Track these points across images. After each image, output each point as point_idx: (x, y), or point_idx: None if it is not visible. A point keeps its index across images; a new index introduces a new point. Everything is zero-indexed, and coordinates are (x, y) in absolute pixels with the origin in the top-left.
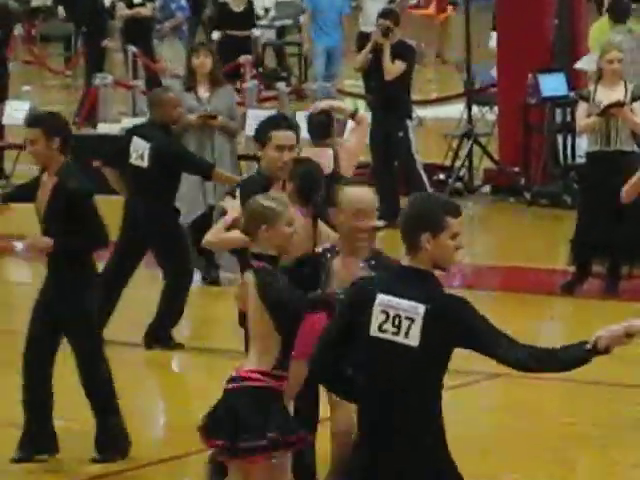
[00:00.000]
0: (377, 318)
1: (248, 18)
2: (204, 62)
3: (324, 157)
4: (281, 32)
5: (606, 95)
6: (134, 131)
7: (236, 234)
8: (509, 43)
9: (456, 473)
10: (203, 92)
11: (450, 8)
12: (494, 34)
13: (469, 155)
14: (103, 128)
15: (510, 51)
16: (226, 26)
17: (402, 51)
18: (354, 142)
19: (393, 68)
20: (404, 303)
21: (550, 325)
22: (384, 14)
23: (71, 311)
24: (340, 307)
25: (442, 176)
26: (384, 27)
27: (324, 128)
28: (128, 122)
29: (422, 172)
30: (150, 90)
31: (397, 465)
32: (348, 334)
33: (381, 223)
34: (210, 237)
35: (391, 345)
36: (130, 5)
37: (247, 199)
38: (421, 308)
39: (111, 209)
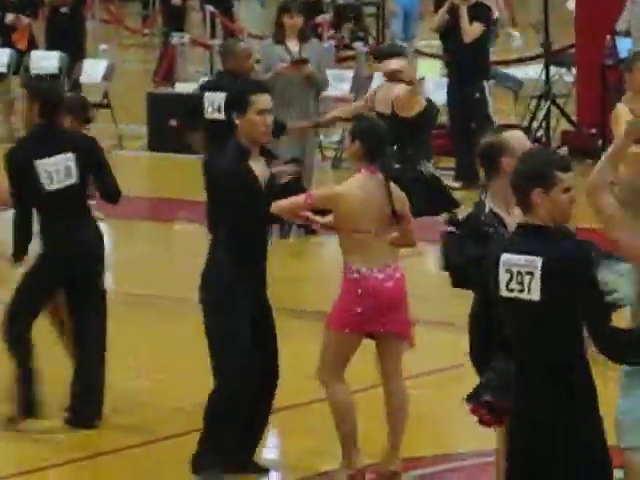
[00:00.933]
0: (503, 278)
1: None
2: (296, 20)
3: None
4: None
5: None
6: (206, 86)
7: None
8: (588, 4)
9: (594, 436)
10: (293, 46)
11: None
12: None
13: (546, 117)
14: (181, 87)
15: (588, 12)
16: None
17: (479, 12)
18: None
19: (471, 30)
20: (523, 258)
21: None
22: None
23: None
24: (479, 275)
25: None
26: None
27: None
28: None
29: None
30: None
31: (530, 417)
32: (490, 299)
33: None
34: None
35: (518, 302)
36: None
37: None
38: (538, 261)
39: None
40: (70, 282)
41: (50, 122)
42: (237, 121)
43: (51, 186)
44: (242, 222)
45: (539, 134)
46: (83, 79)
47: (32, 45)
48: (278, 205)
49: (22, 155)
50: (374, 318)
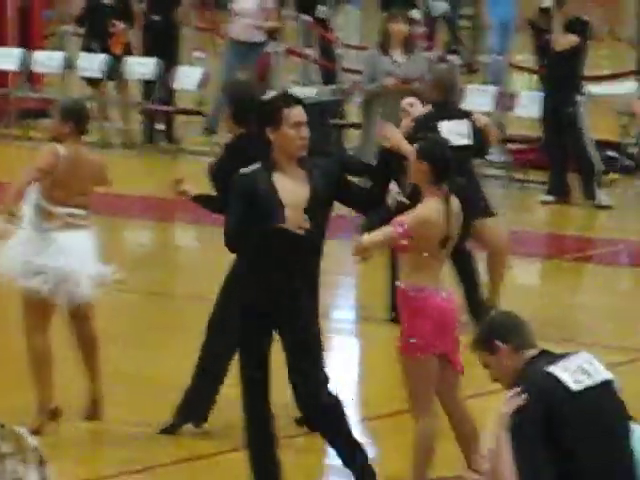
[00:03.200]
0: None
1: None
2: (402, 28)
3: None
4: (455, 5)
5: None
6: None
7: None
8: None
9: None
10: (398, 56)
11: None
12: None
13: None
14: None
15: None
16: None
17: (576, 26)
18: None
19: (563, 38)
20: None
21: None
22: None
23: None
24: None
25: (612, 153)
26: None
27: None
28: (298, 91)
29: (592, 148)
30: (324, 59)
31: None
32: None
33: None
34: None
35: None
36: None
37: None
38: None
39: None
40: None
41: (248, 129)
42: (271, 135)
43: None
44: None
45: (632, 150)
46: (177, 86)
47: (127, 51)
48: (371, 239)
49: (227, 169)
50: (440, 338)
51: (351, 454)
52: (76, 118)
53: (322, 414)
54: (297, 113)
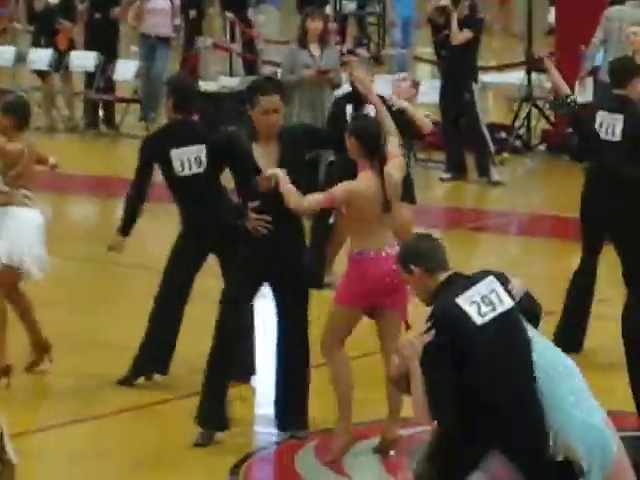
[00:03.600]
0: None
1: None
2: (318, 25)
3: None
4: (362, 4)
5: None
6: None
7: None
8: (567, 18)
9: None
10: (315, 50)
11: None
12: (552, 9)
13: (528, 117)
14: (203, 86)
15: (568, 25)
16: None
17: (471, 22)
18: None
19: (460, 34)
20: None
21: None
22: None
23: None
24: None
25: (503, 135)
26: None
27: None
28: (225, 80)
29: (485, 130)
30: (247, 53)
31: None
32: None
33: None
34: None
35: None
36: None
37: None
38: None
39: None
40: (218, 252)
41: (185, 116)
42: (250, 113)
43: (183, 172)
44: None
45: (521, 132)
46: (116, 77)
47: (72, 46)
48: (306, 201)
49: (159, 143)
50: (375, 296)
51: (302, 401)
52: (18, 113)
53: (307, 354)
54: (268, 101)
